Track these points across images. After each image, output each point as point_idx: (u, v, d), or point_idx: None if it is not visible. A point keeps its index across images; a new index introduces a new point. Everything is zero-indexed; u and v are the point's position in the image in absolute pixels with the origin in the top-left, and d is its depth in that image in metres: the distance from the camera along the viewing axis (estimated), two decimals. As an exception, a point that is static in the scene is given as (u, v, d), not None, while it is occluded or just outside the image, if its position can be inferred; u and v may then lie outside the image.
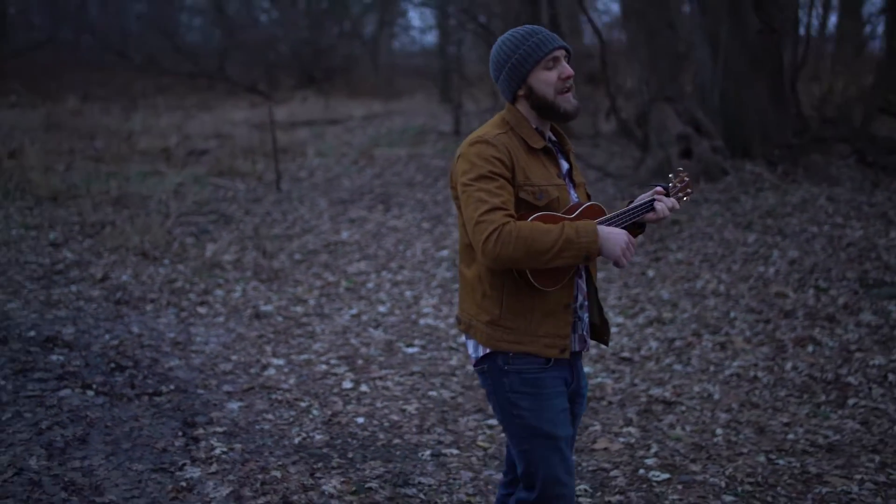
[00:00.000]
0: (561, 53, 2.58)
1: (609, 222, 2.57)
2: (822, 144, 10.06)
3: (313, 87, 25.92)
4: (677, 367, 5.64)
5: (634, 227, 2.68)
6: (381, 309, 6.82)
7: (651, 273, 7.34)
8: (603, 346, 5.61)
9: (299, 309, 6.75)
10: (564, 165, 2.69)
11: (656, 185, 2.70)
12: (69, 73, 25.88)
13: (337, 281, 7.54)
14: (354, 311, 6.74)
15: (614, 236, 2.46)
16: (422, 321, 6.54)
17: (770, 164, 9.39)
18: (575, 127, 11.47)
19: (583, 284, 2.65)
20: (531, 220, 2.46)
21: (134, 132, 16.00)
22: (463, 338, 5.15)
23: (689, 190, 2.83)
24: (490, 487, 3.88)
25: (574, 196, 2.66)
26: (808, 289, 6.61)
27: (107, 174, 11.98)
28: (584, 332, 2.68)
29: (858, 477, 4.15)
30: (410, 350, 5.87)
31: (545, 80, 2.55)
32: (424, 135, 15.65)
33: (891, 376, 5.29)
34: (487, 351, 2.57)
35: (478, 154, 2.49)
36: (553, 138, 2.72)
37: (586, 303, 2.68)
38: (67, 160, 12.95)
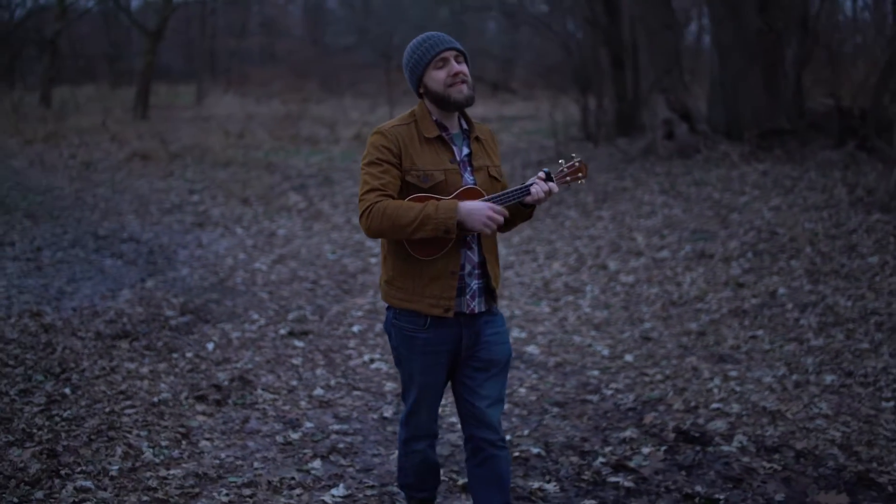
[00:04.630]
0: (450, 54, 2.95)
1: (485, 202, 2.88)
2: (823, 131, 11.17)
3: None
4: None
5: (523, 207, 3.02)
6: (335, 235, 9.55)
7: (567, 223, 9.37)
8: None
9: (299, 230, 9.70)
10: (464, 151, 3.03)
11: (541, 171, 2.98)
12: (356, 72, 30.89)
13: (351, 224, 10.38)
14: (326, 242, 9.55)
15: (475, 212, 2.82)
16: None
17: (751, 146, 10.78)
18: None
19: (472, 255, 2.99)
20: (407, 199, 2.87)
21: (339, 122, 19.90)
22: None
23: (579, 175, 3.06)
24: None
25: (469, 178, 2.98)
26: (653, 236, 8.38)
27: (285, 151, 15.74)
28: (469, 297, 2.99)
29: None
30: (332, 255, 8.63)
31: (435, 78, 2.94)
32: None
33: (624, 287, 7.18)
34: (387, 305, 3.08)
35: (372, 143, 2.94)
36: (465, 126, 3.08)
37: (476, 271, 3.02)
38: (276, 142, 16.92)
